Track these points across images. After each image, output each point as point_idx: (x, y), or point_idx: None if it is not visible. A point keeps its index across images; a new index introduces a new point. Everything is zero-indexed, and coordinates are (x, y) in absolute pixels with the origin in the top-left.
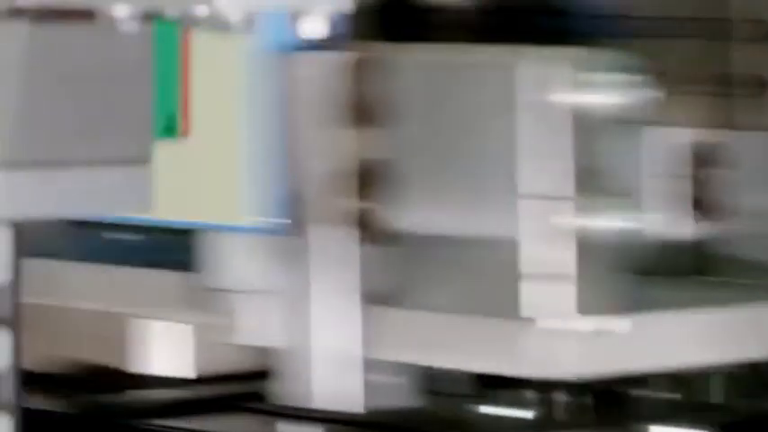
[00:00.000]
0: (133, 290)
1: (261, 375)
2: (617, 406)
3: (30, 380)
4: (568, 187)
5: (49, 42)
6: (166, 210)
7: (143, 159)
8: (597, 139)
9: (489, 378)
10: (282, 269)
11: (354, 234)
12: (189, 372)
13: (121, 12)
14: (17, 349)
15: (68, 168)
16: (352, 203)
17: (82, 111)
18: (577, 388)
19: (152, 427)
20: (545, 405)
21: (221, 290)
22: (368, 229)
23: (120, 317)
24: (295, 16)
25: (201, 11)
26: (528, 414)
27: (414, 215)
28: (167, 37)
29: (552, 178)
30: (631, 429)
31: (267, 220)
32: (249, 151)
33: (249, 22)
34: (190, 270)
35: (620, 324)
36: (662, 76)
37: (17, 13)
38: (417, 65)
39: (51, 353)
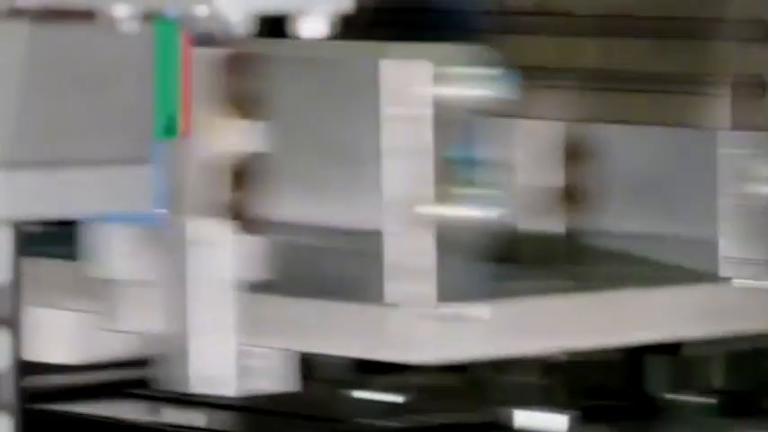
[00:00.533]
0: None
1: (144, 363)
2: (482, 391)
3: None
4: (428, 180)
5: (49, 42)
6: None
7: (143, 159)
8: (461, 132)
9: (366, 364)
10: (160, 259)
11: (229, 224)
12: (69, 358)
13: (121, 12)
14: (17, 349)
15: (68, 168)
16: (227, 194)
17: (82, 111)
18: (443, 372)
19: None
20: (415, 390)
21: (104, 279)
22: (242, 220)
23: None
24: (295, 16)
25: (201, 11)
26: (399, 399)
27: (286, 206)
28: (167, 37)
29: (413, 171)
30: (496, 413)
31: (147, 210)
32: None
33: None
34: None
35: (479, 310)
36: (529, 69)
37: (17, 13)
38: (288, 61)
39: None
